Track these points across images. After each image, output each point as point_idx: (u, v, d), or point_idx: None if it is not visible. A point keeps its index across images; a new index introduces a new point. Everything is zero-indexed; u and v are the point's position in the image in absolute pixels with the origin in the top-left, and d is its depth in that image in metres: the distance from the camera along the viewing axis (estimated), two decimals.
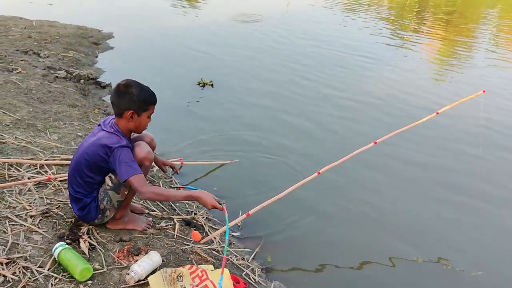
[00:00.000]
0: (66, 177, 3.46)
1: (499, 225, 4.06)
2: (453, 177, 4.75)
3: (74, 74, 6.26)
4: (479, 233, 3.94)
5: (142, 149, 2.88)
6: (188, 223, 3.52)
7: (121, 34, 9.20)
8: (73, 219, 3.05)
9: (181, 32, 9.87)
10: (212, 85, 6.77)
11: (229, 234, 3.61)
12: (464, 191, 4.52)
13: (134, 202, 3.35)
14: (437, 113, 4.15)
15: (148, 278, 2.62)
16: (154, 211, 3.50)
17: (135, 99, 2.78)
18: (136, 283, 2.61)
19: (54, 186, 3.40)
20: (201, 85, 6.78)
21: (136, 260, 2.76)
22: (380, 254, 3.61)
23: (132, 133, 2.98)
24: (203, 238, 3.28)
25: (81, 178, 2.82)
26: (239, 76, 7.32)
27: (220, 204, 2.83)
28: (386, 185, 4.52)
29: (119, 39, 8.92)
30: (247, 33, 10.02)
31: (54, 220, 3.02)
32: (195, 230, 3.29)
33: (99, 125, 2.92)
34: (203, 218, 3.69)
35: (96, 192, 2.89)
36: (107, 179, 2.85)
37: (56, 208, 3.14)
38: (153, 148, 3.16)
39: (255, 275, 3.14)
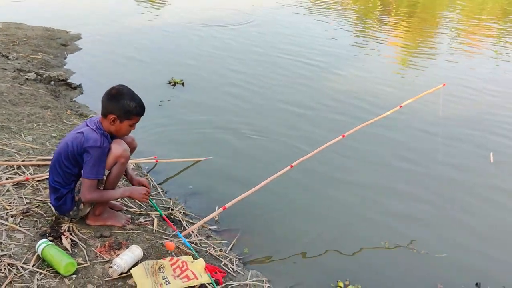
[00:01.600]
0: (44, 177, 3.55)
1: (460, 209, 4.30)
2: (415, 167, 4.98)
3: (44, 76, 6.25)
4: (442, 218, 4.16)
5: (118, 146, 2.99)
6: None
7: (89, 35, 9.16)
8: (53, 217, 3.12)
9: (148, 32, 9.90)
10: (183, 83, 6.85)
11: (207, 228, 3.76)
12: (426, 179, 4.76)
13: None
14: (400, 106, 4.37)
15: (131, 271, 2.73)
16: (132, 207, 3.59)
17: (120, 106, 2.89)
18: (119, 276, 2.71)
19: (32, 186, 3.46)
20: (172, 84, 6.85)
21: (118, 254, 2.86)
22: (350, 242, 3.78)
23: None
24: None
25: (60, 168, 2.93)
26: (209, 75, 7.42)
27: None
28: (353, 178, 4.71)
29: (87, 40, 8.89)
30: (214, 34, 10.08)
31: (35, 219, 3.09)
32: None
33: (85, 121, 3.03)
34: (180, 213, 3.80)
35: (74, 184, 3.00)
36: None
37: (36, 207, 3.21)
38: (133, 148, 3.27)
39: (233, 265, 3.26)
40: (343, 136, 4.15)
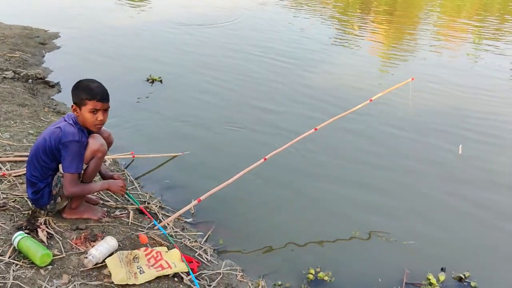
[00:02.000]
0: (21, 173, 3.61)
1: (428, 199, 4.46)
2: (384, 159, 5.16)
3: (22, 74, 6.27)
4: (410, 208, 4.31)
5: (95, 141, 3.06)
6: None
7: (67, 33, 9.18)
8: (29, 211, 3.18)
9: (127, 30, 9.94)
10: (161, 81, 6.93)
11: (183, 220, 3.85)
12: (394, 171, 4.93)
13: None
14: (371, 100, 4.49)
15: (106, 260, 2.80)
16: (108, 201, 3.66)
17: (76, 93, 2.97)
18: (95, 266, 2.79)
19: (9, 181, 3.51)
20: (150, 81, 6.92)
21: (93, 246, 2.93)
22: (322, 232, 3.90)
23: None
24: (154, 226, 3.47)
25: (37, 163, 2.99)
26: (187, 73, 7.52)
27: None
28: (324, 170, 4.84)
29: (65, 38, 8.91)
30: (193, 33, 10.16)
31: (11, 213, 3.15)
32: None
33: (63, 117, 3.10)
34: (156, 206, 3.87)
35: (51, 178, 3.06)
36: (60, 166, 3.02)
37: (13, 202, 3.27)
38: (110, 143, 3.34)
39: (207, 255, 3.35)
40: (315, 129, 4.27)
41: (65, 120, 3.03)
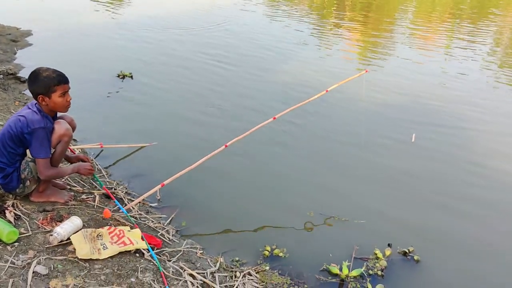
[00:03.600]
0: None
1: (379, 182, 4.76)
2: (339, 144, 5.50)
3: None
4: (361, 190, 4.59)
5: (61, 126, 3.24)
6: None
7: (40, 31, 9.26)
8: None
9: (99, 29, 10.06)
10: (131, 76, 7.10)
11: (148, 205, 4.04)
12: (349, 155, 5.25)
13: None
14: (327, 90, 4.73)
15: (70, 237, 2.98)
16: (76, 186, 3.83)
17: (41, 84, 3.10)
18: (60, 243, 2.97)
19: None
20: (120, 77, 7.08)
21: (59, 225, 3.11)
22: (279, 214, 4.14)
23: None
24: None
25: (4, 149, 3.15)
26: (156, 69, 7.72)
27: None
28: (282, 156, 5.12)
29: (38, 36, 8.99)
30: (167, 36, 10.30)
31: None
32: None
33: (27, 105, 3.25)
34: (122, 192, 4.06)
35: (19, 163, 3.22)
36: (28, 151, 3.19)
37: None
38: (73, 127, 3.49)
39: (169, 235, 3.56)
40: (274, 118, 4.49)
41: (29, 108, 3.18)
